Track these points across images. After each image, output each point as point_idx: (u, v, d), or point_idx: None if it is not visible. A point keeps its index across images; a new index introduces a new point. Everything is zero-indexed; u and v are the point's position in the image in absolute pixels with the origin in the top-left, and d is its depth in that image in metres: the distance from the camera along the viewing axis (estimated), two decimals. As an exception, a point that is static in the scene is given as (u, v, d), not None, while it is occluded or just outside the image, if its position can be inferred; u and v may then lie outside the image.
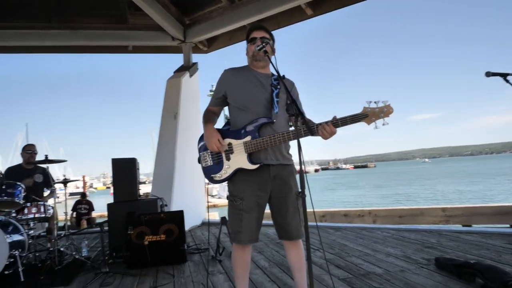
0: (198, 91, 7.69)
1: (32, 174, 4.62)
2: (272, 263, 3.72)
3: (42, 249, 4.02)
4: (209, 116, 2.34)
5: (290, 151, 2.44)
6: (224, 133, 2.26)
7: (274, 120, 2.21)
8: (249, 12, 6.57)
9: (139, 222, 3.90)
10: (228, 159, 2.23)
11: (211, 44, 8.18)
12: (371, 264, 3.46)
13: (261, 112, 2.22)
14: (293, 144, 2.43)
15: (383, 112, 2.05)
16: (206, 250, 4.46)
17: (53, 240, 3.93)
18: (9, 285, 3.42)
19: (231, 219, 2.28)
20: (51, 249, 3.92)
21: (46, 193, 4.83)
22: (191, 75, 7.28)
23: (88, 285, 3.31)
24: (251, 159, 2.19)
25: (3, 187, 3.85)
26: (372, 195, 30.44)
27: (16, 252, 3.57)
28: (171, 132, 6.55)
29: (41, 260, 3.98)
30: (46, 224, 4.52)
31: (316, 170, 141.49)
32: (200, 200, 7.35)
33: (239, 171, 2.22)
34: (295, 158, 2.48)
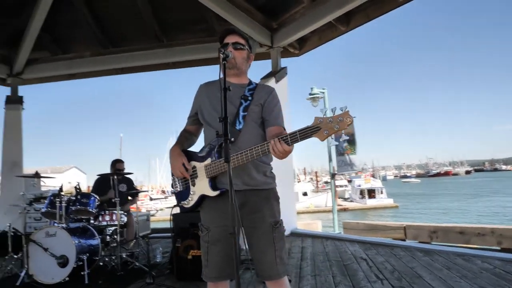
0: (286, 96, 7.47)
1: (118, 183, 5.11)
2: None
3: (108, 254, 4.37)
4: (180, 138, 2.15)
5: (277, 170, 2.09)
6: (191, 155, 2.05)
7: (232, 139, 1.90)
8: (330, 7, 6.09)
9: (187, 235, 3.93)
10: (193, 184, 2.01)
11: (302, 46, 7.89)
12: (431, 308, 2.75)
13: (221, 128, 1.94)
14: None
15: (338, 122, 1.58)
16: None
17: (117, 246, 4.24)
18: (75, 284, 3.81)
19: (201, 251, 2.05)
20: (121, 254, 4.25)
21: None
22: (277, 81, 7.11)
23: (129, 295, 3.47)
24: (214, 184, 1.94)
25: (79, 197, 4.34)
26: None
27: (84, 256, 3.95)
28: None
29: (112, 264, 4.33)
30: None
31: (468, 172, 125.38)
32: (289, 207, 7.11)
33: (205, 198, 1.98)
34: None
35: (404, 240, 7.28)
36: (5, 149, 7.25)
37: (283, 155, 1.71)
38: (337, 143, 1.98)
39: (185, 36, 7.66)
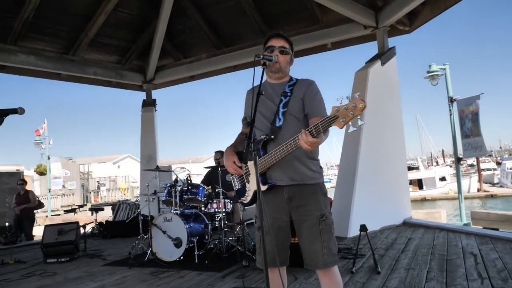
0: (396, 77, 7.05)
1: (224, 174, 5.63)
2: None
3: (216, 238, 4.88)
4: (235, 140, 2.36)
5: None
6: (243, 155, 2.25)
7: (272, 136, 2.03)
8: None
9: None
10: (248, 181, 2.21)
11: (413, 22, 7.28)
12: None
13: (264, 127, 2.12)
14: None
15: (352, 109, 1.61)
16: (360, 257, 4.19)
17: (222, 230, 4.72)
18: (187, 262, 4.43)
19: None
20: (221, 238, 4.73)
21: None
22: (383, 63, 6.75)
23: (227, 275, 3.87)
24: (264, 179, 2.11)
25: (189, 187, 4.96)
26: None
27: (195, 239, 4.53)
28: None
29: (218, 247, 4.84)
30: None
31: None
32: (402, 197, 6.75)
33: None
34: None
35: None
36: (142, 146, 8.64)
37: (310, 145, 1.79)
38: (354, 128, 1.90)
39: (289, 28, 7.80)
